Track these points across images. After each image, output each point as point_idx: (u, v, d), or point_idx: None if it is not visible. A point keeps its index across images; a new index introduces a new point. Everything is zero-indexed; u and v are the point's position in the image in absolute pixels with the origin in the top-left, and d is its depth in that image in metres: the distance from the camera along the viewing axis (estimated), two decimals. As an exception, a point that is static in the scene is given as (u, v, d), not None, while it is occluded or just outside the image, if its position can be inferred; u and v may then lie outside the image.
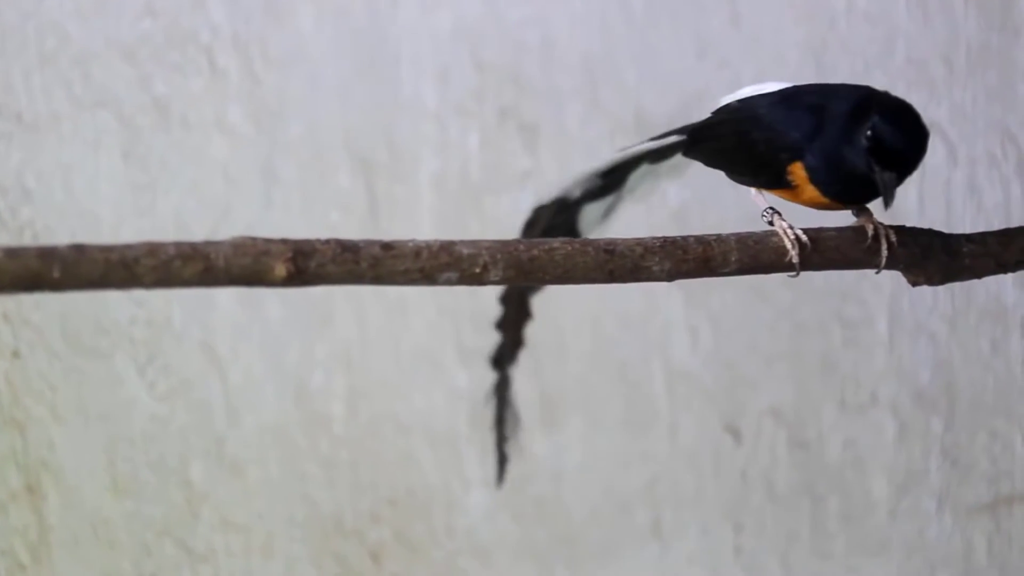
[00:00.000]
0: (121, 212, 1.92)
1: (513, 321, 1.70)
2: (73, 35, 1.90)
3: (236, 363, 1.94)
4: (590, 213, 1.61)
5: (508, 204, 1.93)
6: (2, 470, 1.92)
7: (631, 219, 1.89)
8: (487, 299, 1.93)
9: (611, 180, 1.59)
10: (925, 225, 1.44)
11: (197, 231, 1.91)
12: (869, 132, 1.33)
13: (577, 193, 1.60)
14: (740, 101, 1.45)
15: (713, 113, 1.48)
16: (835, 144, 1.36)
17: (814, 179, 1.37)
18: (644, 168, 1.58)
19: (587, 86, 1.93)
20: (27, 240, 1.90)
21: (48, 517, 1.94)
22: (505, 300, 1.68)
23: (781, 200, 1.43)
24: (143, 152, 1.92)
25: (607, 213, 1.61)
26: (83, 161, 1.92)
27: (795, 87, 1.43)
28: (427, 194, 1.94)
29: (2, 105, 1.90)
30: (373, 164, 1.93)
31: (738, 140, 1.42)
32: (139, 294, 1.90)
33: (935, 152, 1.90)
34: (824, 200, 1.38)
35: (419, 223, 1.93)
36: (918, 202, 1.91)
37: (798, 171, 1.37)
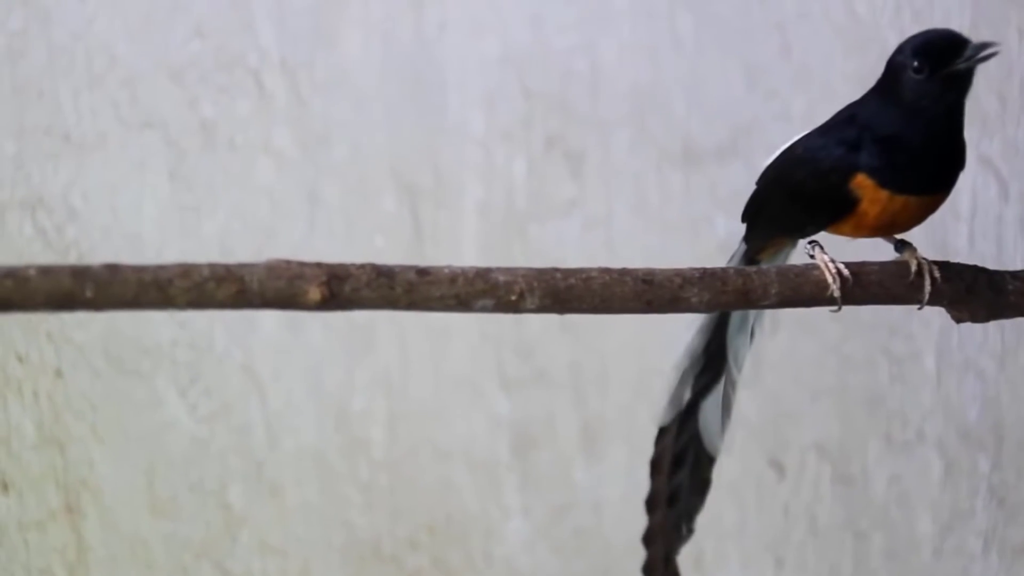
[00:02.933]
0: (166, 233, 1.92)
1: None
2: (122, 56, 1.91)
3: (277, 386, 1.94)
4: (709, 415, 1.58)
5: (553, 232, 1.93)
6: (42, 489, 1.93)
7: (676, 249, 1.89)
8: (530, 326, 1.93)
9: (712, 352, 1.55)
10: (976, 262, 1.42)
11: (241, 253, 1.89)
12: (914, 62, 1.33)
13: (688, 390, 1.56)
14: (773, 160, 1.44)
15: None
16: (886, 122, 1.35)
17: (883, 180, 1.34)
18: (735, 322, 1.54)
19: (634, 115, 1.92)
20: (72, 259, 1.91)
21: (87, 537, 1.94)
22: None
23: (844, 238, 1.41)
24: (189, 174, 1.93)
25: (726, 409, 1.58)
26: (129, 182, 1.92)
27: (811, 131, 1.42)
28: (472, 220, 1.93)
29: (50, 125, 1.91)
30: (418, 189, 1.93)
31: (785, 190, 1.41)
32: (182, 316, 1.90)
33: (987, 188, 1.88)
34: (898, 206, 1.35)
35: (463, 250, 1.93)
36: (968, 239, 1.89)
37: (863, 181, 1.34)
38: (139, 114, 1.92)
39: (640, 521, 1.95)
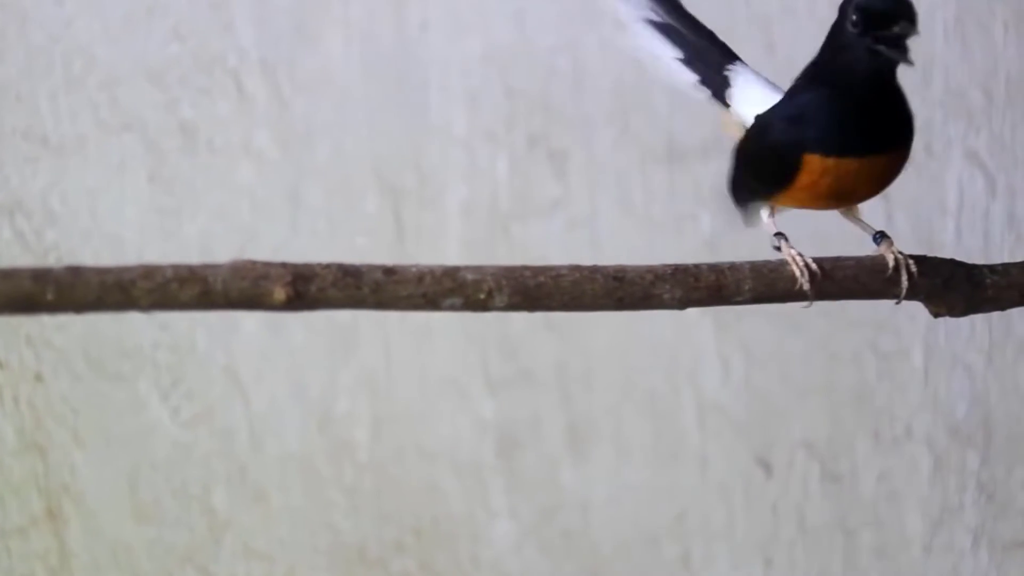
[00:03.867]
0: (146, 236, 1.92)
1: None
2: (100, 58, 1.90)
3: (260, 389, 1.94)
4: None
5: (537, 231, 1.92)
6: (23, 494, 1.92)
7: (661, 247, 1.88)
8: (515, 326, 1.93)
9: None
10: (962, 256, 1.41)
11: (222, 255, 1.87)
12: (854, 17, 1.31)
13: None
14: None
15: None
16: (824, 76, 1.34)
17: (826, 149, 1.32)
18: None
19: (618, 113, 1.91)
20: (52, 263, 1.90)
21: (69, 542, 1.94)
22: None
23: (805, 210, 1.40)
24: (169, 176, 1.92)
25: None
26: (109, 184, 1.92)
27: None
28: (455, 220, 1.93)
29: (28, 128, 1.91)
30: (401, 190, 1.92)
31: (741, 159, 1.41)
32: (162, 318, 1.89)
33: (974, 182, 1.88)
34: (846, 170, 1.32)
35: (446, 249, 1.92)
36: (955, 233, 1.88)
37: (809, 159, 1.32)
38: (118, 116, 1.91)
39: (630, 521, 1.95)
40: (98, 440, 1.93)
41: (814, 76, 1.37)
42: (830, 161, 1.32)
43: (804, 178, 1.33)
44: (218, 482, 1.94)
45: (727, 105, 1.47)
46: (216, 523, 1.95)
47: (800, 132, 1.33)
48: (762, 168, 1.38)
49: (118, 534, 1.94)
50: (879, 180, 1.35)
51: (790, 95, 1.38)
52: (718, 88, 1.48)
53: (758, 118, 1.40)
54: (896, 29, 1.30)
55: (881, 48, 1.30)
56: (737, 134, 1.44)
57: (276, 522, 1.95)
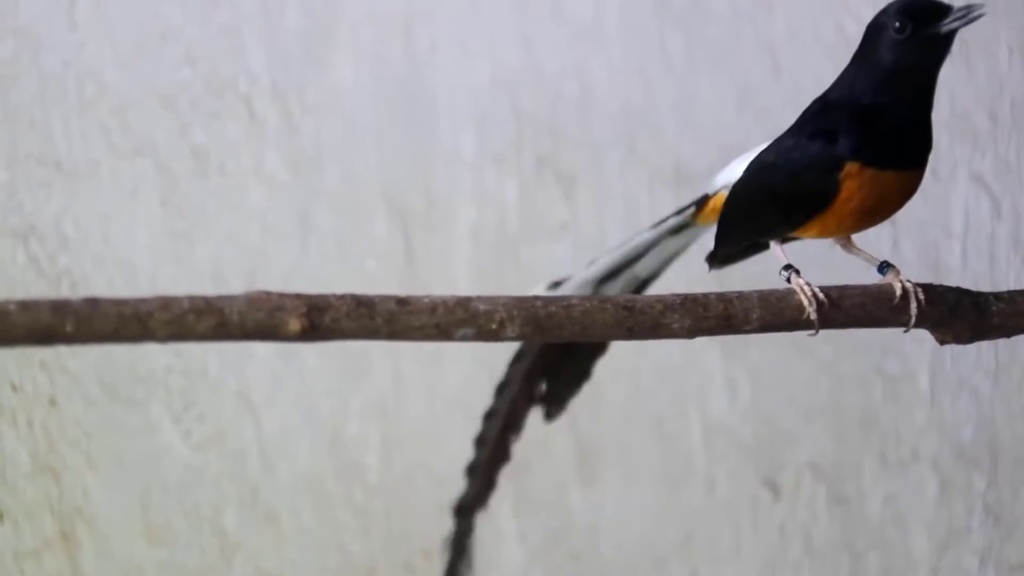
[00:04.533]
0: (158, 260, 1.92)
1: (488, 463, 1.65)
2: (112, 83, 1.91)
3: (271, 412, 1.94)
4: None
5: (545, 254, 1.93)
6: (37, 517, 1.93)
7: (668, 271, 1.89)
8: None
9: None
10: (968, 279, 1.42)
11: (233, 279, 1.91)
12: (897, 24, 1.33)
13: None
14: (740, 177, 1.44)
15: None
16: (864, 91, 1.35)
17: (867, 158, 1.33)
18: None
19: (625, 136, 1.93)
20: (65, 287, 1.91)
21: (82, 565, 1.94)
22: (479, 442, 1.65)
23: (819, 239, 1.41)
24: (181, 200, 1.93)
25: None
26: (121, 209, 1.92)
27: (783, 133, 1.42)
28: (464, 243, 1.93)
29: (41, 153, 1.91)
30: (410, 213, 1.93)
31: (761, 196, 1.40)
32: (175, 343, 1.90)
33: (979, 206, 1.88)
34: (881, 185, 1.34)
35: (455, 272, 1.93)
36: (961, 256, 1.89)
37: (850, 168, 1.33)
38: (130, 141, 1.92)
39: (638, 544, 1.95)
40: (111, 463, 1.94)
41: (838, 100, 1.37)
42: (871, 173, 1.33)
43: (845, 193, 1.34)
44: (229, 504, 1.95)
45: (709, 195, 1.48)
46: (227, 545, 1.95)
47: (838, 147, 1.34)
48: (794, 195, 1.37)
49: (130, 556, 1.94)
50: (907, 196, 1.37)
51: (802, 125, 1.39)
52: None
53: (760, 156, 1.41)
54: (944, 26, 1.33)
55: (938, 30, 1.32)
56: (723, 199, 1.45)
57: (287, 544, 1.95)
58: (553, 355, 1.59)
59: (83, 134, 1.92)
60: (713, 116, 1.91)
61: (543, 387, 1.61)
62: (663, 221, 1.53)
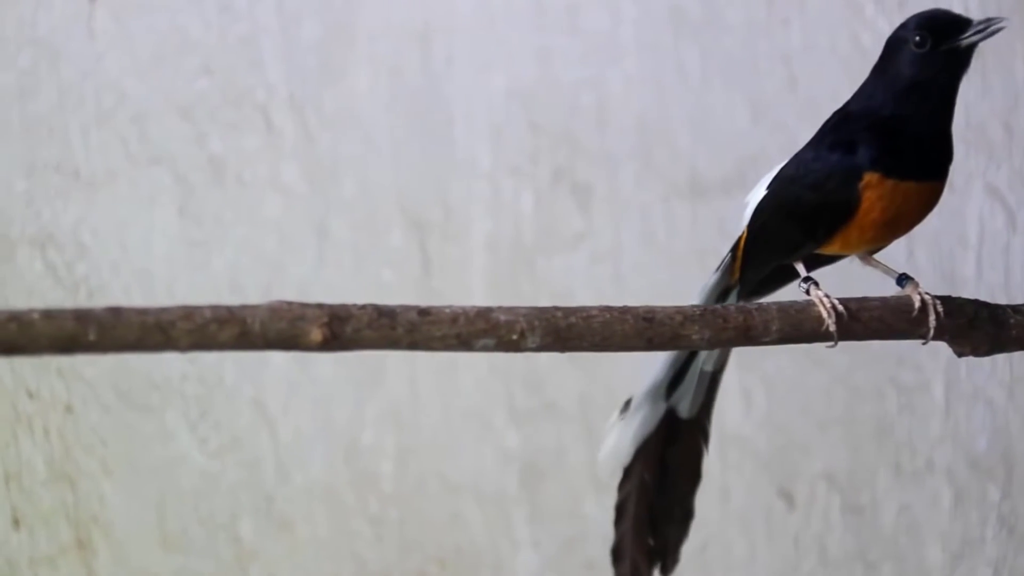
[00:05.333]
0: (175, 269, 1.93)
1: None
2: (130, 93, 1.92)
3: (286, 421, 1.95)
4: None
5: (561, 265, 1.93)
6: (53, 524, 1.93)
7: (684, 282, 1.89)
8: (539, 359, 1.93)
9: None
10: (983, 291, 1.43)
11: (250, 288, 1.92)
12: (917, 38, 1.33)
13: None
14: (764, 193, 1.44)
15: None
16: (884, 104, 1.35)
17: (886, 168, 1.33)
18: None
19: (641, 148, 1.93)
20: (82, 296, 1.92)
21: (98, 572, 1.94)
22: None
23: (840, 253, 1.42)
24: (198, 209, 1.93)
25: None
26: (138, 218, 1.93)
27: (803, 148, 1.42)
28: (480, 254, 1.94)
29: (60, 162, 1.92)
30: (426, 224, 1.94)
31: (783, 213, 1.40)
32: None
33: (995, 217, 1.89)
34: (901, 196, 1.34)
35: (471, 283, 1.93)
36: (976, 268, 1.89)
37: (870, 178, 1.34)
38: (148, 150, 1.93)
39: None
40: (127, 470, 1.94)
41: (857, 113, 1.37)
42: (891, 183, 1.33)
43: (866, 204, 1.34)
44: (245, 512, 1.95)
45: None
46: (243, 553, 1.96)
47: (858, 157, 1.34)
48: (816, 207, 1.37)
49: (146, 563, 1.95)
50: (928, 208, 1.37)
51: (821, 138, 1.39)
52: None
53: (781, 172, 1.41)
54: (964, 40, 1.33)
55: (958, 44, 1.32)
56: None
57: (302, 552, 1.96)
58: (652, 502, 1.57)
59: (101, 144, 1.92)
60: (728, 128, 1.92)
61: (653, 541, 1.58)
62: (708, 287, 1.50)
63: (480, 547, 1.96)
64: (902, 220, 1.36)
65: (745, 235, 1.43)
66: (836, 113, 1.40)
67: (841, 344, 1.39)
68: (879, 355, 1.90)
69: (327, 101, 1.93)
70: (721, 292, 1.48)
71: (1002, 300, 1.46)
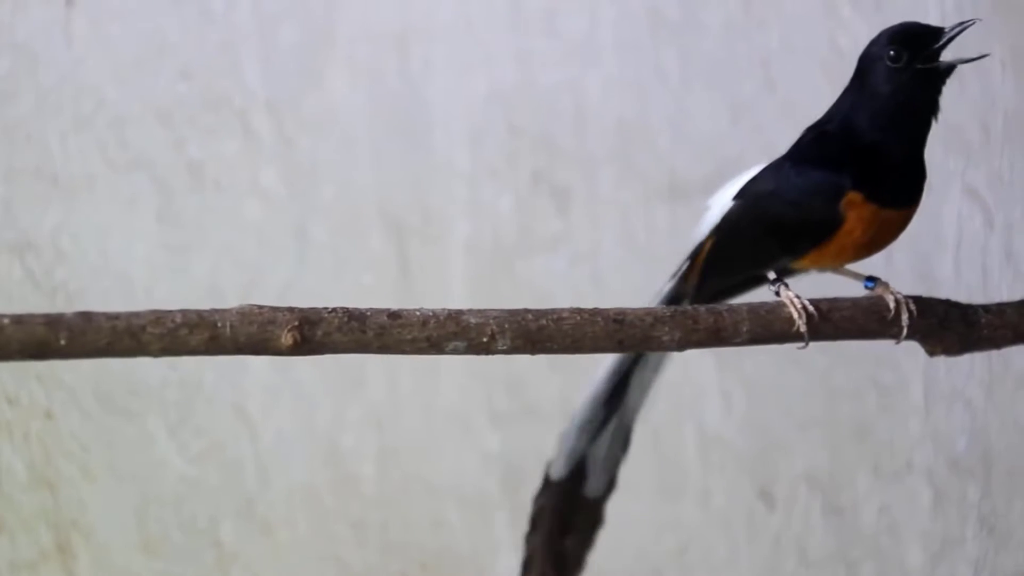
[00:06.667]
0: (155, 274, 1.93)
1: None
2: (109, 98, 1.92)
3: (267, 425, 1.95)
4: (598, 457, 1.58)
5: (540, 267, 1.93)
6: (33, 529, 1.93)
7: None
8: (519, 362, 1.93)
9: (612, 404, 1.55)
10: (961, 292, 1.43)
11: (230, 293, 1.92)
12: (891, 52, 1.32)
13: (582, 443, 1.56)
14: (733, 204, 1.43)
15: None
16: (864, 127, 1.35)
17: (869, 194, 1.33)
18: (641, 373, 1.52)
19: (620, 150, 1.93)
20: (61, 301, 1.92)
21: (79, 577, 1.95)
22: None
23: (815, 269, 1.42)
24: (177, 214, 1.93)
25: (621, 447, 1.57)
26: (117, 223, 1.93)
27: (776, 161, 1.42)
28: (459, 257, 1.94)
29: (38, 167, 1.92)
30: (406, 227, 1.94)
31: (762, 227, 1.40)
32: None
33: (972, 218, 1.89)
34: (881, 221, 1.34)
35: (451, 286, 1.94)
36: (954, 269, 1.89)
37: (853, 198, 1.34)
38: (126, 155, 1.93)
39: (633, 555, 1.96)
40: (107, 475, 1.94)
41: (836, 133, 1.37)
42: (873, 208, 1.34)
43: (848, 225, 1.34)
44: (226, 516, 1.95)
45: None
46: (224, 556, 1.96)
47: (840, 176, 1.34)
48: (797, 223, 1.37)
49: (127, 568, 1.95)
50: (903, 229, 1.38)
51: (799, 154, 1.39)
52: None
53: (755, 186, 1.41)
54: (940, 56, 1.33)
55: (936, 64, 1.33)
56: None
57: (283, 555, 1.96)
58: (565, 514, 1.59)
59: (80, 149, 1.92)
60: (707, 130, 1.92)
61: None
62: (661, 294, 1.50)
63: (461, 549, 1.96)
64: (879, 242, 1.37)
65: (711, 244, 1.43)
66: (812, 128, 1.40)
67: (820, 345, 1.40)
68: (858, 356, 1.90)
69: (306, 105, 1.94)
70: (672, 299, 1.47)
71: (980, 300, 1.46)
